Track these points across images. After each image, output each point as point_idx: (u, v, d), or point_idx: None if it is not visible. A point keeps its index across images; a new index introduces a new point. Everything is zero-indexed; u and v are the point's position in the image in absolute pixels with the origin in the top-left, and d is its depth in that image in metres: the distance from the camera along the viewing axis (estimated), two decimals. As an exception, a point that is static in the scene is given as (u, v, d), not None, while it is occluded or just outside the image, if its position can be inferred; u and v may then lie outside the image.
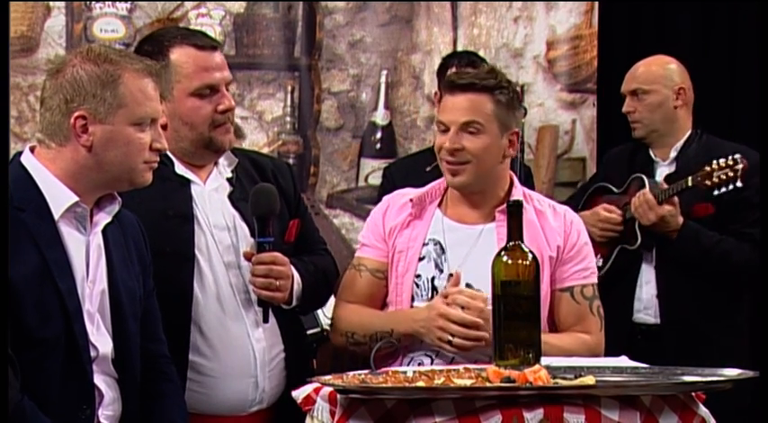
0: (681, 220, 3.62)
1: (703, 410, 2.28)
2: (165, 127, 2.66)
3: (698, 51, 4.65)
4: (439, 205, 2.86)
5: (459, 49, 4.64)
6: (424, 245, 2.82)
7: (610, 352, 2.80)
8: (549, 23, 4.74)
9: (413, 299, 2.81)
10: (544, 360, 2.38)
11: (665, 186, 3.66)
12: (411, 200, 2.86)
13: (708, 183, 3.54)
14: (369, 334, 2.77)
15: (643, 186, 3.70)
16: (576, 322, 2.79)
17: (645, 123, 3.77)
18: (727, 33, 4.73)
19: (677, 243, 3.63)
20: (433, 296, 2.78)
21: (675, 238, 3.63)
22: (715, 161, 3.53)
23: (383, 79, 4.70)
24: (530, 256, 2.44)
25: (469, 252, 2.79)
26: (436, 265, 2.81)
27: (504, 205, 2.72)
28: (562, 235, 2.80)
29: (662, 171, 3.79)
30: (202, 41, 2.75)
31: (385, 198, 2.95)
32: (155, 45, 2.75)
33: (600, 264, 3.80)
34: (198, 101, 2.72)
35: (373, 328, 2.77)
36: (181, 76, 2.71)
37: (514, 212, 2.48)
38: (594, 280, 2.85)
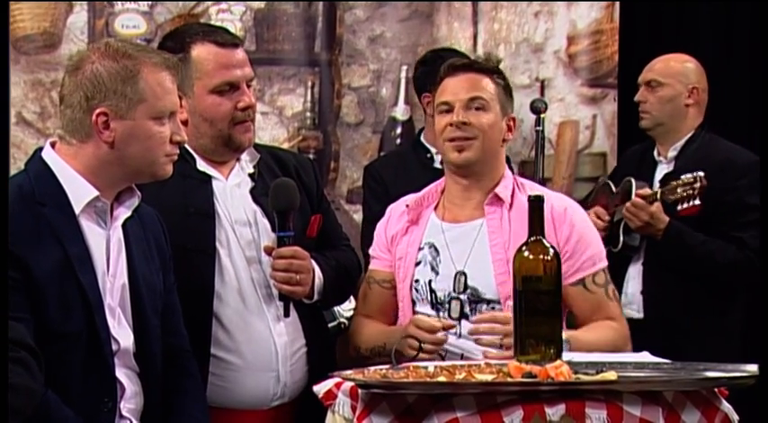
0: (666, 220, 3.65)
1: (726, 406, 2.27)
2: (185, 123, 2.66)
3: (719, 46, 4.63)
4: (435, 209, 2.87)
5: (480, 44, 4.64)
6: (420, 249, 2.83)
7: None
8: (569, 18, 4.72)
9: (414, 304, 2.82)
10: (565, 355, 2.38)
11: (650, 191, 3.69)
12: (407, 206, 2.88)
13: (671, 197, 3.59)
14: (368, 349, 2.82)
15: (630, 189, 3.74)
16: (595, 311, 2.77)
17: (653, 115, 3.82)
18: (749, 28, 4.70)
19: (663, 243, 3.67)
20: (432, 299, 2.79)
21: (661, 237, 3.66)
22: (683, 176, 3.57)
23: (403, 74, 4.69)
24: (551, 251, 2.43)
25: (464, 250, 2.79)
26: (432, 268, 2.81)
27: (491, 197, 2.80)
28: (551, 225, 2.75)
29: (662, 169, 3.83)
30: (223, 38, 2.75)
31: (388, 208, 2.98)
32: (176, 41, 2.76)
33: None
34: (218, 98, 2.72)
35: (371, 343, 2.81)
36: (201, 72, 2.71)
37: (536, 207, 2.47)
38: (604, 264, 2.82)
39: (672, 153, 3.81)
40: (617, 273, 3.74)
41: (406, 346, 2.67)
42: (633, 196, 3.66)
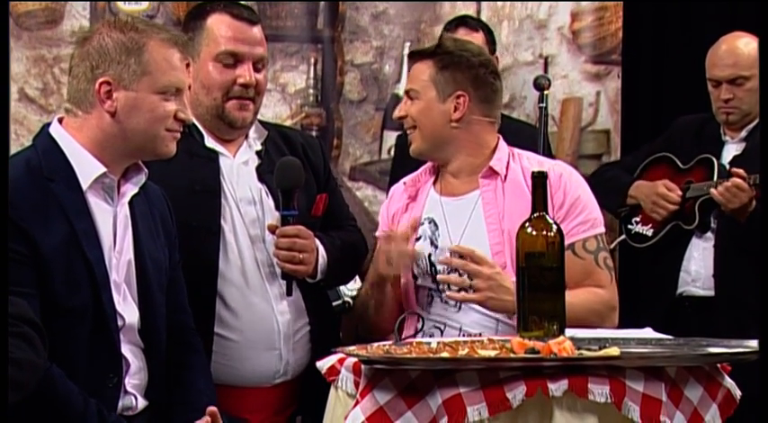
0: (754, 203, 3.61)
1: (729, 382, 2.28)
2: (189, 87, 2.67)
3: (725, 22, 4.60)
4: (434, 184, 2.89)
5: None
6: (420, 225, 2.84)
7: (653, 322, 2.76)
8: (573, -6, 4.70)
9: (416, 278, 2.83)
10: (568, 331, 2.39)
11: (735, 171, 3.61)
12: (405, 184, 2.91)
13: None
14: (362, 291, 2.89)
15: (712, 169, 3.70)
16: (584, 278, 2.73)
17: (743, 109, 3.74)
18: (756, 3, 4.67)
19: (748, 224, 3.60)
20: (432, 273, 2.80)
21: (746, 220, 3.60)
22: None
23: (406, 51, 4.67)
24: (554, 227, 2.44)
25: (459, 223, 2.80)
26: (431, 242, 2.82)
27: (486, 170, 2.79)
28: (548, 191, 2.76)
29: (729, 149, 3.78)
30: (240, 12, 2.78)
31: (391, 189, 3.02)
32: (199, 9, 2.81)
33: (649, 234, 3.82)
34: (220, 67, 2.74)
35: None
36: (209, 39, 2.74)
37: (539, 184, 2.47)
38: (597, 231, 2.78)
39: (743, 134, 3.76)
40: (674, 249, 3.77)
41: (381, 263, 2.73)
42: (734, 177, 3.57)
